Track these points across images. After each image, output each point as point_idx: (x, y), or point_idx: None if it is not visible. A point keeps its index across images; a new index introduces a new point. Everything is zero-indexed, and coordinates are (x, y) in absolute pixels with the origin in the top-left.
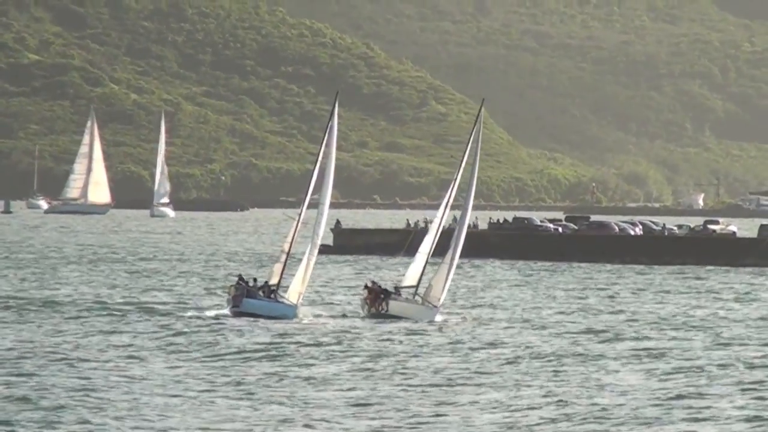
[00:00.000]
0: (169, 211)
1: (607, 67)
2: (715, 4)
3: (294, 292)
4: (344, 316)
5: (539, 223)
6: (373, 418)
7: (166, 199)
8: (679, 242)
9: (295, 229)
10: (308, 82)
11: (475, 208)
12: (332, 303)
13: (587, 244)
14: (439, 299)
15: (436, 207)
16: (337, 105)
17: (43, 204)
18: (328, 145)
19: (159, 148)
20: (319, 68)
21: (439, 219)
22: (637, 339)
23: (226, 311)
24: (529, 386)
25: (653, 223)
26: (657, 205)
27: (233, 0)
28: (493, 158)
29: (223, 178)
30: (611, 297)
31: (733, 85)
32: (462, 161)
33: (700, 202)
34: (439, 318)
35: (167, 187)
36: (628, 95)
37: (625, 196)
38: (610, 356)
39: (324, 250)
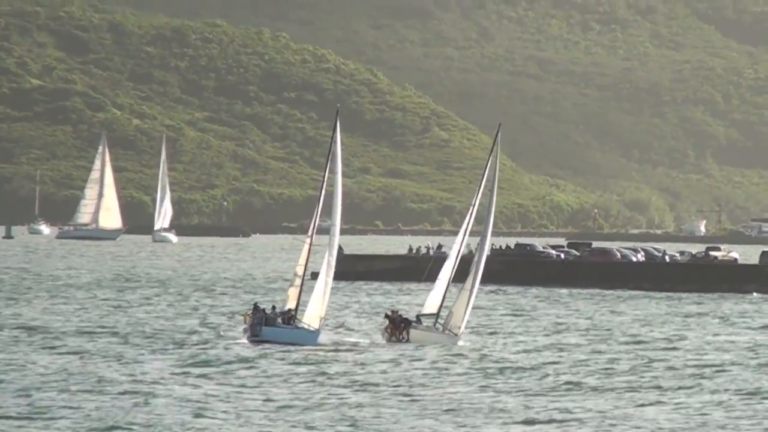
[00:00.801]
0: (172, 237)
1: (611, 93)
2: (718, 31)
3: (314, 317)
4: (367, 341)
5: (541, 250)
6: None
7: (167, 225)
8: (681, 269)
9: (309, 253)
10: (311, 108)
11: (477, 234)
12: (346, 327)
13: (589, 270)
14: (460, 327)
15: (438, 233)
16: (338, 122)
17: (45, 229)
18: (333, 162)
19: (161, 173)
20: (322, 94)
21: (459, 245)
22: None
23: (243, 340)
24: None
25: (655, 249)
26: (659, 231)
27: (236, 25)
28: (496, 184)
29: (225, 203)
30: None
31: (735, 112)
32: (480, 186)
33: (702, 229)
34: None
35: (169, 212)
36: (631, 122)
37: (627, 222)
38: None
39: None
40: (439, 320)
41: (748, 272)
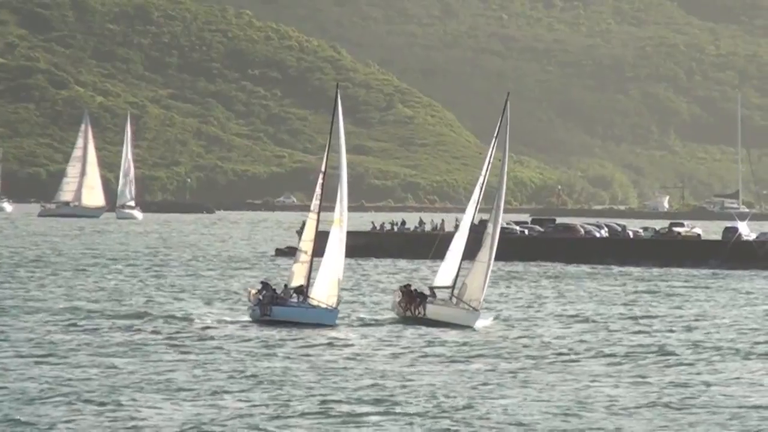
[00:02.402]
0: (137, 214)
1: (573, 70)
2: (680, 8)
3: (329, 296)
4: (384, 318)
5: (505, 226)
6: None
7: (132, 202)
8: (645, 245)
9: (316, 229)
10: (275, 85)
11: (442, 210)
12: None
13: (554, 246)
14: (479, 301)
15: (402, 210)
16: (339, 100)
17: (8, 207)
18: (335, 141)
19: (125, 150)
20: (285, 71)
21: (470, 219)
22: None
23: (247, 318)
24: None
25: (617, 225)
26: (623, 207)
27: (199, 3)
28: (460, 161)
29: (189, 180)
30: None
31: (698, 88)
32: (488, 160)
33: (666, 205)
34: (480, 322)
35: (133, 189)
36: (594, 98)
37: (591, 198)
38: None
39: (289, 252)
40: (453, 294)
41: (711, 248)
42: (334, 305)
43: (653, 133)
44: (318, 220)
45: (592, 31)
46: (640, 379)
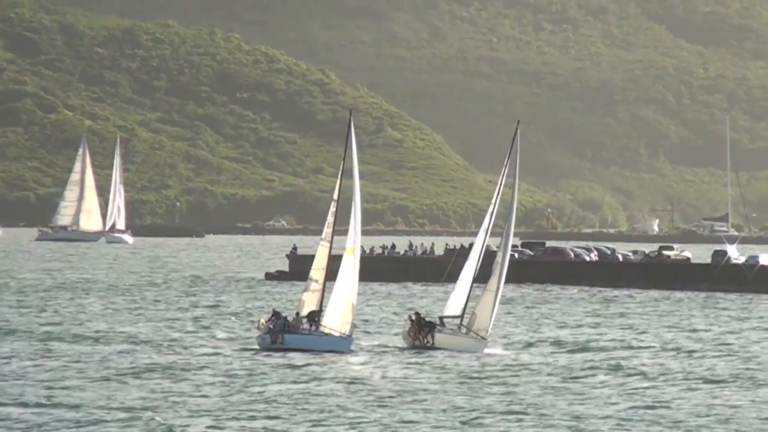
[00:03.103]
0: (128, 238)
1: (563, 93)
2: (669, 31)
3: (344, 323)
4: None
5: (495, 249)
6: None
7: (122, 226)
8: (635, 268)
9: (329, 257)
10: (264, 109)
11: (431, 234)
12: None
13: (544, 269)
14: (487, 330)
15: (392, 233)
16: (352, 125)
17: None
18: (349, 166)
19: (114, 174)
20: (274, 94)
21: (480, 246)
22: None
23: (256, 346)
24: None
25: (607, 248)
26: (612, 230)
27: (188, 26)
28: (449, 184)
29: (178, 204)
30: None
31: (687, 111)
32: (500, 185)
33: (655, 228)
34: (488, 350)
35: (123, 213)
36: (583, 121)
37: (581, 221)
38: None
39: (279, 276)
40: (462, 323)
41: (700, 271)
42: (347, 333)
43: (642, 155)
44: (331, 248)
45: (581, 54)
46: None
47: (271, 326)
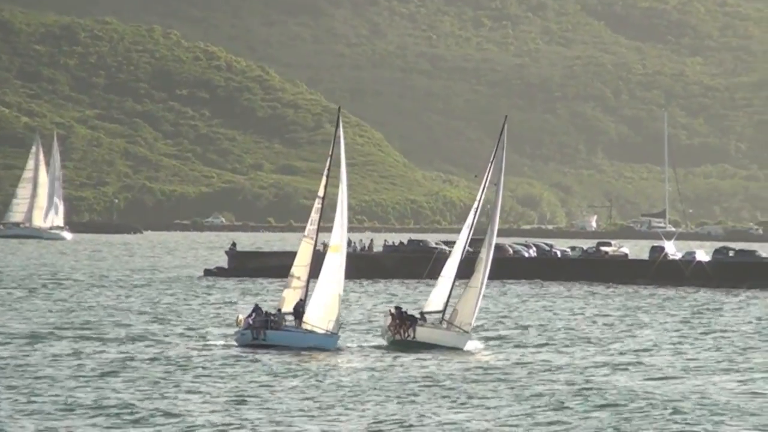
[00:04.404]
0: (66, 234)
1: (502, 89)
2: (607, 27)
3: (329, 321)
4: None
5: (434, 245)
6: None
7: (60, 222)
8: (573, 264)
9: (313, 254)
10: (203, 105)
11: (370, 230)
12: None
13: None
14: (470, 324)
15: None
16: (340, 121)
17: None
18: (336, 166)
19: (52, 171)
20: (213, 91)
21: (463, 242)
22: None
23: (234, 342)
24: None
25: (545, 244)
26: (551, 227)
27: (126, 23)
28: (388, 180)
29: (116, 201)
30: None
31: (625, 108)
32: (484, 182)
33: (593, 224)
34: (470, 345)
35: (61, 210)
36: (522, 118)
37: (520, 218)
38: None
39: (218, 272)
40: (444, 318)
41: (638, 267)
42: (331, 330)
43: (581, 152)
44: (315, 246)
45: (520, 51)
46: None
47: (251, 321)
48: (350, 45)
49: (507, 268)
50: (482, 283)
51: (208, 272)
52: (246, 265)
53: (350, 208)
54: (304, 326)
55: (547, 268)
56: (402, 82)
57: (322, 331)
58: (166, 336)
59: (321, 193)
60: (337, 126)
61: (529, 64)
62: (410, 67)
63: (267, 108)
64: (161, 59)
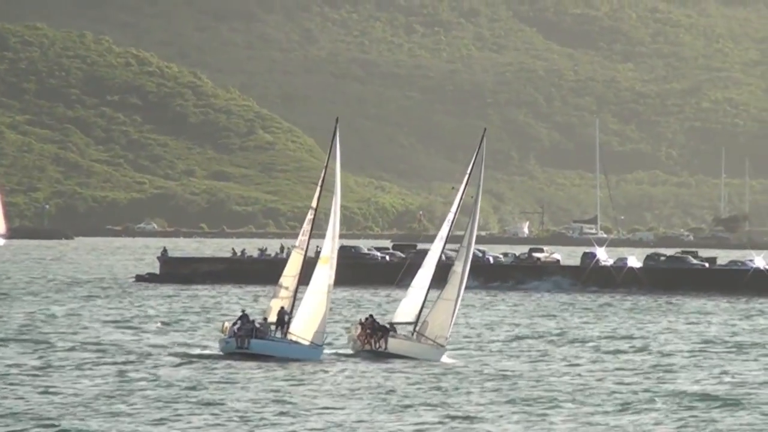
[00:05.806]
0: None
1: (435, 95)
2: (540, 33)
3: (316, 332)
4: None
5: (366, 252)
6: None
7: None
8: (505, 270)
9: (303, 264)
10: (135, 111)
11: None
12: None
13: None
14: (446, 338)
15: (263, 236)
16: (337, 133)
17: None
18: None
19: None
20: (145, 97)
21: (439, 252)
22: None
23: (218, 351)
24: None
25: (478, 251)
26: (483, 233)
27: (57, 28)
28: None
29: (47, 206)
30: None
31: (557, 114)
32: (461, 192)
33: (526, 230)
34: (445, 359)
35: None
36: (455, 124)
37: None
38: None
39: (150, 278)
40: (415, 330)
41: (569, 273)
42: (316, 341)
43: (513, 158)
44: (305, 256)
45: (452, 57)
46: None
47: (236, 329)
48: (282, 50)
49: (439, 273)
50: (458, 296)
51: (139, 278)
52: (178, 271)
53: (282, 214)
54: (290, 337)
55: (480, 274)
56: (334, 88)
57: (307, 343)
58: (99, 344)
59: (314, 204)
60: (334, 136)
61: (461, 70)
62: (342, 72)
63: (199, 114)
64: (92, 65)
